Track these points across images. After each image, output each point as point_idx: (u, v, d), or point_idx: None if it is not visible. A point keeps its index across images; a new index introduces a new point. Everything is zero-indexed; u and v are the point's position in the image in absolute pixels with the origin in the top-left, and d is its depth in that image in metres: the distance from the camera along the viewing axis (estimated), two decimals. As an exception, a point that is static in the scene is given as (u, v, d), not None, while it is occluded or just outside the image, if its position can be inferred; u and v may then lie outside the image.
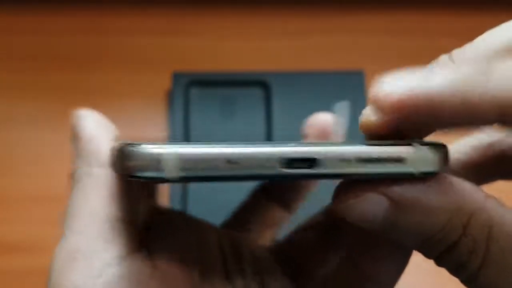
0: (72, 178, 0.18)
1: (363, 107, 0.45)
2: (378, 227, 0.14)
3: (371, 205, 0.14)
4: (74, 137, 0.18)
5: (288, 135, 0.40)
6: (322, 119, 0.22)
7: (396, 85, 0.14)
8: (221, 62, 0.45)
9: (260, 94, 0.42)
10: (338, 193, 0.14)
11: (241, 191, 0.38)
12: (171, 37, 0.46)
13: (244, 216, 0.23)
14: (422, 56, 0.50)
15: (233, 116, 0.41)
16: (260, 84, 0.42)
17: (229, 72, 0.43)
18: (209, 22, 0.47)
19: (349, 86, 0.42)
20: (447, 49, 0.52)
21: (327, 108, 0.42)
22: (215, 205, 0.38)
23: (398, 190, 0.14)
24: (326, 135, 0.20)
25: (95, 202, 0.16)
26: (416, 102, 0.13)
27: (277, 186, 0.22)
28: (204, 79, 0.42)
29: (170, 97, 0.43)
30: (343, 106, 0.20)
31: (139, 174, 0.13)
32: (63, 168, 0.41)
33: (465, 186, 0.14)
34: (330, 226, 0.20)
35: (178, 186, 0.38)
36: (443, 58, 0.16)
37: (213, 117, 0.41)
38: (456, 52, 0.16)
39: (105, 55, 0.45)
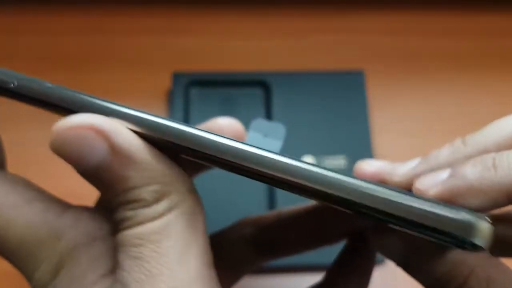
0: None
1: (363, 107, 0.45)
2: None
3: None
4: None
5: (288, 135, 0.40)
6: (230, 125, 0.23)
7: (433, 180, 0.16)
8: (221, 62, 0.45)
9: (260, 94, 0.42)
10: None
11: (241, 194, 0.38)
12: (171, 37, 0.46)
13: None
14: (422, 56, 0.51)
15: (233, 116, 0.41)
16: (260, 84, 0.42)
17: (229, 72, 0.43)
18: (209, 22, 0.47)
19: (349, 86, 0.42)
20: (447, 49, 0.52)
21: (327, 108, 0.42)
22: (214, 207, 0.38)
23: None
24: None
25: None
26: (447, 193, 0.16)
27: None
28: (204, 79, 0.42)
29: (170, 97, 0.43)
30: (273, 128, 0.20)
31: None
32: (63, 168, 0.41)
33: None
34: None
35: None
36: (457, 142, 0.18)
37: (213, 117, 0.41)
38: (468, 139, 0.18)
39: (105, 55, 0.45)
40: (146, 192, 0.15)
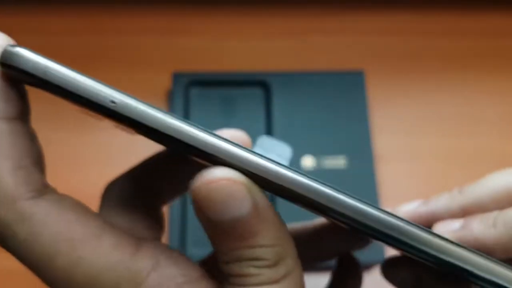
0: None
1: (363, 107, 0.45)
2: None
3: None
4: None
5: (288, 135, 0.40)
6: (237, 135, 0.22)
7: (447, 228, 0.20)
8: (221, 62, 0.45)
9: (260, 94, 0.42)
10: None
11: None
12: (171, 37, 0.46)
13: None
14: (422, 56, 0.51)
15: (233, 116, 0.41)
16: (260, 84, 0.42)
17: (229, 72, 0.43)
18: (209, 22, 0.48)
19: (349, 86, 0.42)
20: (447, 49, 0.52)
21: (327, 108, 0.42)
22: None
23: None
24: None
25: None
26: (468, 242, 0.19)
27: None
28: (204, 79, 0.42)
29: (170, 97, 0.43)
30: (278, 146, 0.20)
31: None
32: (63, 167, 0.41)
33: None
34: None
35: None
36: (455, 191, 0.21)
37: (213, 117, 0.41)
38: (465, 190, 0.21)
39: (105, 55, 0.45)
40: (271, 252, 0.15)
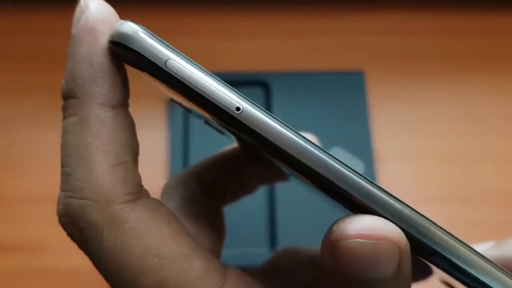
0: (70, 113, 0.13)
1: (363, 107, 0.45)
2: None
3: None
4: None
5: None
6: None
7: None
8: (221, 62, 0.45)
9: (260, 94, 0.42)
10: None
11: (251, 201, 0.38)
12: (171, 37, 0.46)
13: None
14: (422, 56, 0.51)
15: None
16: (260, 84, 0.42)
17: (229, 72, 0.43)
18: (208, 22, 0.47)
19: (349, 86, 0.42)
20: (447, 49, 0.52)
21: (327, 108, 0.42)
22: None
23: None
24: None
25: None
26: None
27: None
28: (204, 79, 0.42)
29: (169, 97, 0.43)
30: (351, 161, 0.19)
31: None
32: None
33: None
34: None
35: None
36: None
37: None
38: None
39: (105, 55, 0.45)
40: None
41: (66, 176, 0.13)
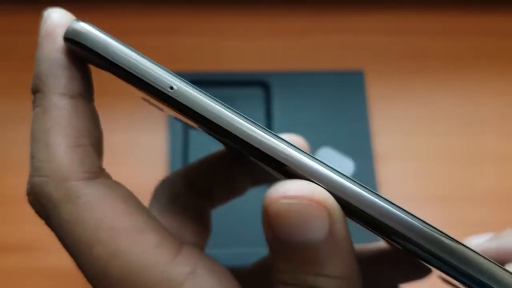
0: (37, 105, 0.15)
1: (363, 107, 0.45)
2: None
3: None
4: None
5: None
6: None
7: None
8: (221, 62, 0.45)
9: (260, 94, 0.42)
10: None
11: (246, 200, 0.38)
12: (171, 37, 0.46)
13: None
14: (422, 56, 0.51)
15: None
16: (260, 84, 0.42)
17: (229, 72, 0.43)
18: (209, 22, 0.47)
19: (349, 86, 0.42)
20: (447, 49, 0.52)
21: (327, 108, 0.42)
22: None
23: None
24: None
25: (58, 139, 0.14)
26: None
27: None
28: (204, 79, 0.42)
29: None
30: (340, 160, 0.19)
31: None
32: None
33: None
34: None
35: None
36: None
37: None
38: None
39: (105, 55, 0.45)
40: (335, 285, 0.13)
41: (31, 159, 0.14)
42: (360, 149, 0.40)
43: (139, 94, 0.16)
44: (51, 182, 0.14)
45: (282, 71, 0.43)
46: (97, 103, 0.16)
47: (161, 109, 0.16)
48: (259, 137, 0.13)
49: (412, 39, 0.47)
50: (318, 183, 0.13)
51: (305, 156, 0.13)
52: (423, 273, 0.20)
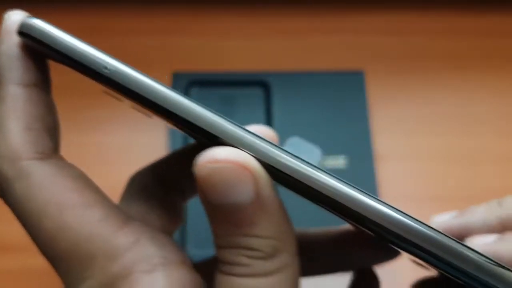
0: None
1: (363, 107, 0.45)
2: None
3: None
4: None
5: (288, 135, 0.40)
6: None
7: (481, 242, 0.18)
8: (221, 62, 0.45)
9: (260, 94, 0.42)
10: None
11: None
12: (171, 37, 0.46)
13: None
14: (422, 56, 0.51)
15: (233, 116, 0.41)
16: (260, 84, 0.42)
17: (229, 72, 0.43)
18: (209, 22, 0.47)
19: (349, 86, 0.42)
20: (447, 49, 0.52)
21: (327, 108, 0.42)
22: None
23: None
24: None
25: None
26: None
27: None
28: (204, 79, 0.42)
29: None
30: (308, 148, 0.20)
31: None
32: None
33: None
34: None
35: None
36: (493, 203, 0.19)
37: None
38: (504, 201, 0.19)
39: (105, 55, 0.45)
40: (266, 245, 0.14)
41: None
42: (360, 149, 0.40)
43: (99, 87, 0.16)
44: (6, 161, 0.15)
45: (282, 71, 0.43)
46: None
47: (120, 100, 0.17)
48: (190, 109, 0.14)
49: (412, 39, 0.47)
50: (245, 150, 0.14)
51: (233, 126, 0.14)
52: (392, 254, 0.21)
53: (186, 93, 0.41)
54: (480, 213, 0.19)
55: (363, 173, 0.39)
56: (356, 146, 0.40)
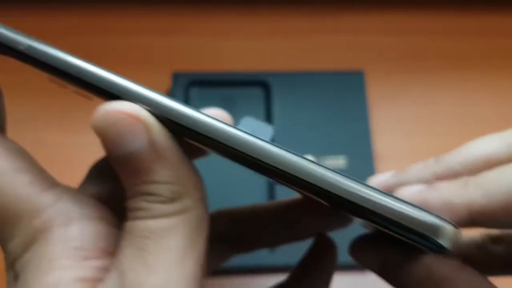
0: None
1: (363, 107, 0.45)
2: None
3: None
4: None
5: (288, 135, 0.40)
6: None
7: (409, 190, 0.18)
8: (221, 62, 0.45)
9: (260, 94, 0.42)
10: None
11: (242, 190, 0.38)
12: (171, 37, 0.46)
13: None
14: (422, 56, 0.51)
15: (233, 116, 0.41)
16: (260, 84, 0.42)
17: (229, 72, 0.43)
18: (209, 22, 0.47)
19: (349, 86, 0.42)
20: (447, 49, 0.52)
21: (327, 108, 0.42)
22: (214, 204, 0.38)
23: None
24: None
25: None
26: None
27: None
28: (204, 79, 0.42)
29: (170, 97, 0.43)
30: (260, 127, 0.21)
31: None
32: (62, 168, 0.41)
33: (440, 259, 0.17)
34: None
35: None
36: (430, 160, 0.20)
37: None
38: (441, 159, 0.20)
39: (106, 55, 0.45)
40: (166, 189, 0.15)
41: None
42: (360, 149, 0.40)
43: (45, 76, 0.18)
44: None
45: (282, 71, 0.43)
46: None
47: (65, 87, 0.18)
48: (89, 71, 0.16)
49: (412, 39, 0.47)
50: (140, 104, 0.15)
51: (130, 83, 0.16)
52: (343, 220, 0.22)
53: (186, 93, 0.41)
54: (416, 170, 0.20)
55: (363, 173, 0.39)
56: (356, 146, 0.40)
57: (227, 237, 0.23)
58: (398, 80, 0.45)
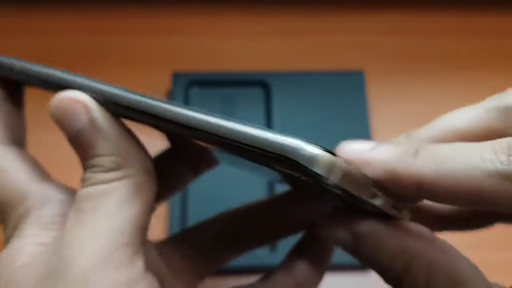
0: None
1: (363, 107, 0.45)
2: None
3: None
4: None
5: (288, 134, 0.40)
6: None
7: (355, 147, 0.16)
8: (221, 62, 0.45)
9: (260, 94, 0.42)
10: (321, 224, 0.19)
11: (242, 191, 0.38)
12: (171, 37, 0.46)
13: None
14: (422, 56, 0.51)
15: (233, 116, 0.41)
16: (260, 84, 0.42)
17: (229, 72, 0.43)
18: (209, 22, 0.48)
19: (349, 86, 0.42)
20: (447, 49, 0.52)
21: (327, 108, 0.42)
22: (215, 204, 0.38)
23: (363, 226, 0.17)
24: None
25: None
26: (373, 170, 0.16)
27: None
28: (204, 79, 0.42)
29: (170, 97, 0.43)
30: None
31: None
32: (62, 168, 0.41)
33: (413, 231, 0.16)
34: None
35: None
36: (402, 136, 0.19)
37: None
38: (412, 134, 0.18)
39: (106, 54, 0.45)
40: (107, 161, 0.18)
41: None
42: (360, 149, 0.40)
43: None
44: None
45: (282, 71, 0.43)
46: None
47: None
48: (44, 72, 0.19)
49: (412, 39, 0.47)
50: (83, 91, 0.18)
51: (74, 76, 0.18)
52: (328, 205, 0.22)
53: (186, 93, 0.41)
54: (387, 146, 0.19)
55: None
56: (356, 146, 0.40)
57: (225, 238, 0.24)
58: (398, 80, 0.45)
